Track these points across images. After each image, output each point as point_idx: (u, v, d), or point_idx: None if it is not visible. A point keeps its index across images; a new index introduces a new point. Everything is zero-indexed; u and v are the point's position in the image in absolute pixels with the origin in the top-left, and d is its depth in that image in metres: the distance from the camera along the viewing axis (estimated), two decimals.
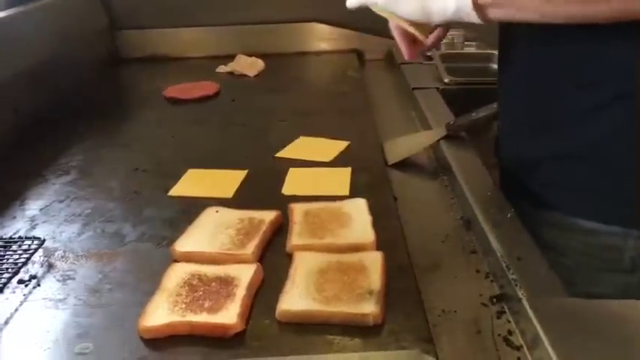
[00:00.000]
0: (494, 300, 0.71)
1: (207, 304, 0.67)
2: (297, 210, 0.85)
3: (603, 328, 0.60)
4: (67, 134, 1.22)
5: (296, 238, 0.79)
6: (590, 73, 0.79)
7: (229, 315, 0.64)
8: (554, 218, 0.86)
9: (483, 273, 0.76)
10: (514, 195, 0.89)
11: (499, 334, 0.65)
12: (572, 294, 0.67)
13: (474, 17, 0.76)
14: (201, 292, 0.69)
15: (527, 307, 0.63)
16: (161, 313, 0.66)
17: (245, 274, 0.71)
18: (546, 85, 0.84)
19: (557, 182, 0.86)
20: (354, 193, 0.93)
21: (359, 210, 0.85)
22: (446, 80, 1.40)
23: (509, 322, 0.67)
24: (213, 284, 0.70)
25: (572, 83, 0.81)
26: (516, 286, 0.67)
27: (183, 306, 0.67)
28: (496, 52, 1.53)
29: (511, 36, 0.89)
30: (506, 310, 0.69)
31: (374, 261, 0.73)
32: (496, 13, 0.75)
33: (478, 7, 0.75)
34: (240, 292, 0.68)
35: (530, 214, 0.85)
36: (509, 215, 0.83)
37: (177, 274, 0.73)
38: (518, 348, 0.63)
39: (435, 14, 0.78)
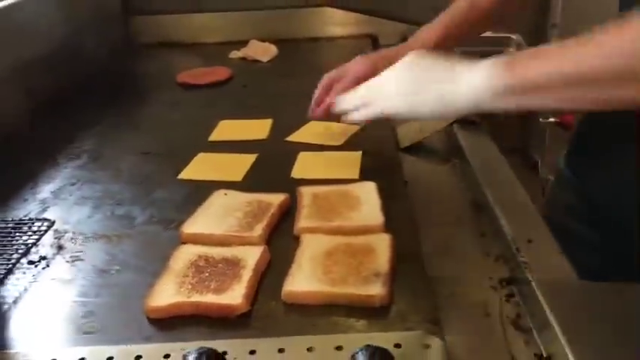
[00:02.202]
0: (504, 283, 0.70)
1: (213, 285, 0.67)
2: (306, 193, 0.85)
3: (613, 312, 0.59)
4: (79, 119, 1.22)
5: (304, 220, 0.79)
6: None
7: (235, 295, 0.64)
8: None
9: (493, 256, 0.75)
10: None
11: (507, 317, 0.65)
12: None
13: (496, 103, 0.68)
14: (207, 273, 0.69)
15: (536, 289, 0.62)
16: (167, 293, 0.66)
17: (252, 255, 0.71)
18: None
19: None
20: (364, 176, 0.92)
21: (368, 193, 0.84)
22: None
23: (518, 305, 0.66)
24: (220, 265, 0.70)
25: None
26: (526, 268, 0.66)
27: (190, 287, 0.67)
28: (513, 36, 1.51)
29: None
30: (516, 293, 0.68)
31: (382, 243, 0.72)
32: (518, 101, 0.67)
33: (500, 90, 0.67)
34: (247, 274, 0.68)
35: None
36: (520, 198, 0.81)
37: (184, 255, 0.73)
38: (527, 331, 0.62)
39: (454, 106, 0.71)
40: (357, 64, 0.95)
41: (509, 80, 0.67)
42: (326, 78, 0.98)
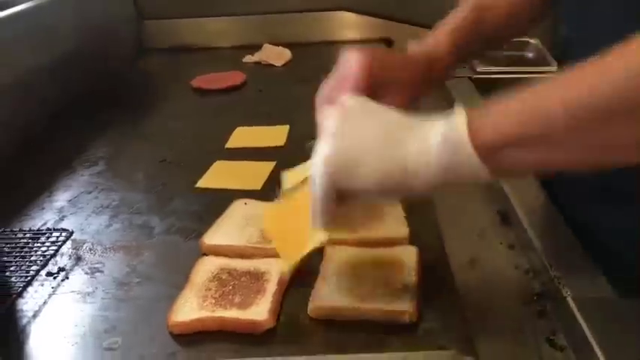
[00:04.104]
0: (535, 298, 0.68)
1: (237, 300, 0.65)
2: None
3: None
4: (94, 125, 1.21)
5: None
6: None
7: (260, 311, 0.63)
8: None
9: (522, 269, 0.73)
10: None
11: (541, 334, 0.63)
12: None
13: (480, 170, 0.51)
14: (230, 287, 0.67)
15: (572, 306, 0.60)
16: (190, 307, 0.64)
17: (275, 268, 0.69)
18: None
19: None
20: None
21: (391, 202, 0.82)
22: (478, 69, 1.36)
23: (551, 321, 0.64)
24: (243, 279, 0.68)
25: None
26: (559, 284, 0.64)
27: (213, 301, 0.65)
28: (531, 40, 1.49)
29: None
30: (548, 309, 0.66)
31: (409, 256, 0.70)
32: (508, 160, 0.51)
33: (487, 152, 0.50)
34: (271, 287, 0.66)
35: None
36: (548, 208, 0.79)
37: (206, 267, 0.71)
38: (562, 349, 0.60)
39: (415, 179, 0.52)
40: (351, 67, 0.64)
41: (490, 132, 0.51)
42: (324, 93, 0.67)
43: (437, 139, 0.52)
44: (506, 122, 0.51)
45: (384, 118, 0.56)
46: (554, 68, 1.34)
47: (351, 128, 0.55)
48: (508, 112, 0.51)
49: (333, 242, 0.74)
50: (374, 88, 0.64)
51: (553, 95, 0.49)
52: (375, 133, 0.54)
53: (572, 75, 0.49)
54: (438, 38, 0.75)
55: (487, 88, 1.28)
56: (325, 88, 0.67)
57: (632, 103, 0.46)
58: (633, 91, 0.45)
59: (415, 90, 0.69)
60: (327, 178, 0.54)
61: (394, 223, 0.78)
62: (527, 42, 1.48)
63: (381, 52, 0.72)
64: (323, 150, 0.55)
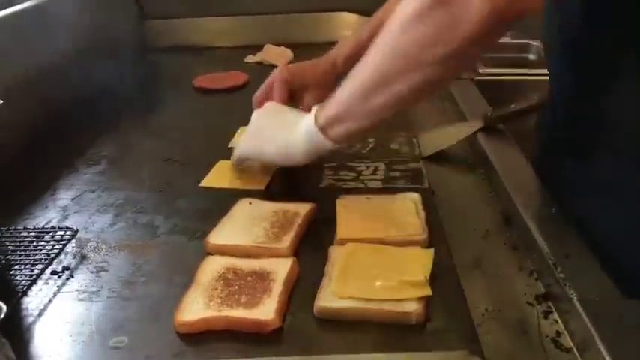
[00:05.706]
0: (540, 299, 0.68)
1: (243, 299, 0.65)
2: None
3: None
4: (96, 124, 1.21)
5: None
6: None
7: (266, 311, 0.63)
8: None
9: (527, 270, 0.73)
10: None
11: (547, 335, 0.63)
12: None
13: (326, 142, 0.79)
14: (236, 287, 0.67)
15: (578, 307, 0.60)
16: (197, 307, 0.64)
17: (281, 268, 0.70)
18: None
19: None
20: (390, 188, 0.90)
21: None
22: (480, 71, 1.36)
23: (556, 322, 0.65)
24: (249, 278, 0.68)
25: None
26: (565, 284, 0.64)
27: (219, 300, 0.65)
28: (533, 42, 1.49)
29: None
30: (553, 310, 0.66)
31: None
32: (339, 131, 0.78)
33: (323, 130, 0.78)
34: (277, 287, 0.66)
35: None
36: (553, 210, 0.79)
37: (211, 267, 0.71)
38: (568, 350, 0.61)
39: (295, 153, 0.83)
40: (277, 89, 0.96)
41: (324, 115, 0.78)
42: (257, 98, 0.99)
43: (302, 129, 0.81)
44: (336, 98, 0.78)
45: (280, 116, 0.88)
46: None
47: (261, 125, 0.90)
48: (334, 99, 0.78)
49: (348, 242, 0.74)
50: (296, 92, 0.97)
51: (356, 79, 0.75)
52: (273, 127, 0.87)
53: (371, 53, 0.73)
54: (340, 47, 1.01)
55: (489, 89, 1.29)
56: (258, 94, 0.99)
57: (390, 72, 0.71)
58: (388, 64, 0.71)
59: (328, 87, 0.88)
60: (244, 154, 0.92)
61: (413, 225, 0.77)
62: (529, 44, 1.49)
63: (296, 65, 1.03)
64: (244, 140, 0.92)
